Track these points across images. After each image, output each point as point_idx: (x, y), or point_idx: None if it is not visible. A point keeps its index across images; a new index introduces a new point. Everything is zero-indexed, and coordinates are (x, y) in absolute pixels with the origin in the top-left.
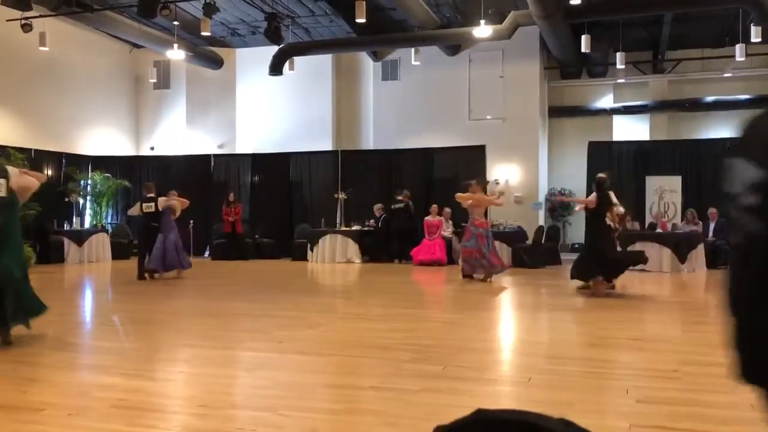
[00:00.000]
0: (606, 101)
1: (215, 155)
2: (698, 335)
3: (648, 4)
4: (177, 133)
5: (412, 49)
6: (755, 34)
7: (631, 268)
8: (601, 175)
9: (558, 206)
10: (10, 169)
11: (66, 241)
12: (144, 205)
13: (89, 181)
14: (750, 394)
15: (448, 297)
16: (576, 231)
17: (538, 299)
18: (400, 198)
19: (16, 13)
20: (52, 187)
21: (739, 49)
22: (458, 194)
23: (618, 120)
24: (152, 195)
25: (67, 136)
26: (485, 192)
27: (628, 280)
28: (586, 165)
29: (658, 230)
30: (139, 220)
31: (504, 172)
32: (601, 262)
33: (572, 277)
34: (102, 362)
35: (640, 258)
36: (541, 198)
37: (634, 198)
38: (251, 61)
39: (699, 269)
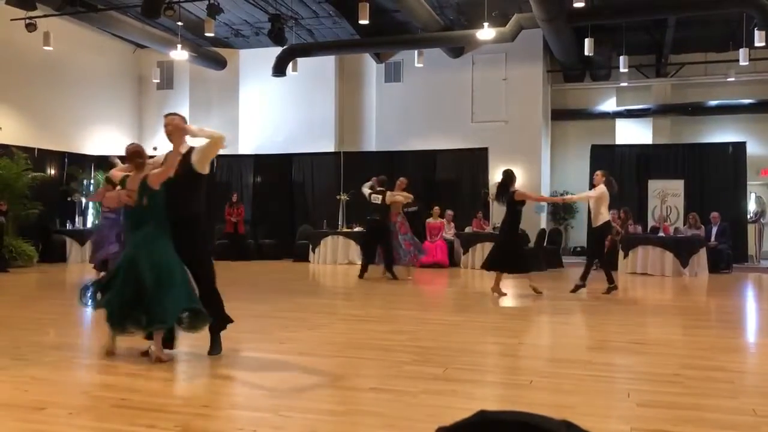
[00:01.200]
0: (609, 105)
1: (218, 156)
2: (699, 339)
3: (651, 7)
4: None
5: (415, 51)
6: (759, 39)
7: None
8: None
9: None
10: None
11: (68, 240)
12: None
13: (92, 181)
14: (752, 398)
15: (449, 299)
16: (578, 234)
17: (538, 302)
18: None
19: (21, 13)
20: (54, 186)
21: (742, 53)
22: (404, 195)
23: (621, 123)
24: None
25: (69, 136)
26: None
27: (629, 284)
28: (589, 168)
29: (660, 234)
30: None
31: None
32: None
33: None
34: (103, 361)
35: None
36: None
37: (637, 201)
38: (254, 62)
39: (701, 273)
